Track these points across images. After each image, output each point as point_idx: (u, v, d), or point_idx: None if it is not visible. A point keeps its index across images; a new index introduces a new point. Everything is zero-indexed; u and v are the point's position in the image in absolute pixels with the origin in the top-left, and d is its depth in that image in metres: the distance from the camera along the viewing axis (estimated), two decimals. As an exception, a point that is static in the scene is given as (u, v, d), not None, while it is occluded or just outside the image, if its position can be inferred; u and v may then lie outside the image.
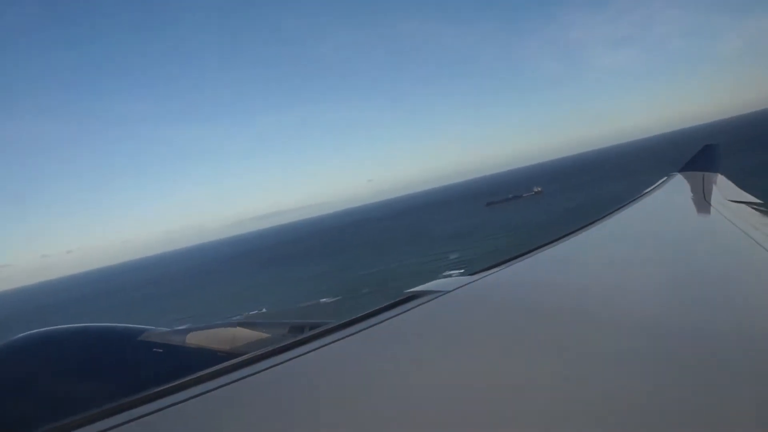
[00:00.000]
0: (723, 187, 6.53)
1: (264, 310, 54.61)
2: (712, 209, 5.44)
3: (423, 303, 2.90)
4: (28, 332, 3.95)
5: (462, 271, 3.27)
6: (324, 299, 62.08)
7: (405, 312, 2.77)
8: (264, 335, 3.81)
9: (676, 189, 6.77)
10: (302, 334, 3.14)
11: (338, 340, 2.41)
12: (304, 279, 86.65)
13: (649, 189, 6.74)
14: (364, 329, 2.53)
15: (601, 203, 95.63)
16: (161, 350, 3.72)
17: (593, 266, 3.92)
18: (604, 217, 5.55)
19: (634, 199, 6.31)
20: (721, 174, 7.21)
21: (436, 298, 2.99)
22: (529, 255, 4.12)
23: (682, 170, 7.59)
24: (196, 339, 3.80)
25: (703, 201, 5.88)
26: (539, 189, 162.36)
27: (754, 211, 5.53)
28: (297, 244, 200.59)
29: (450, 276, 3.49)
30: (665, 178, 7.31)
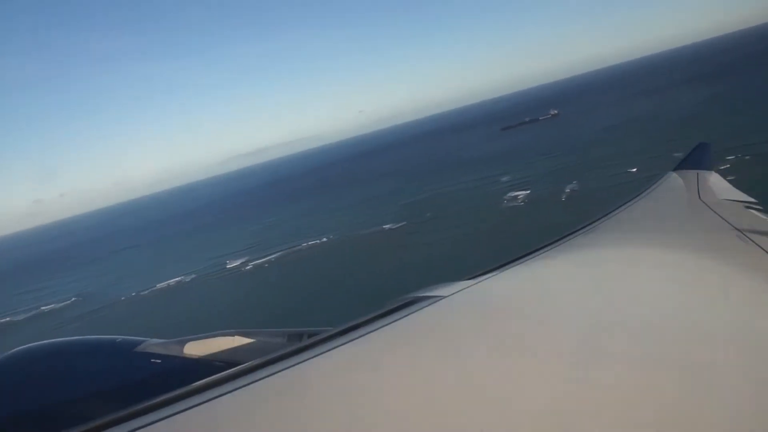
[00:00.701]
0: (717, 186, 6.63)
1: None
2: (708, 209, 5.47)
3: (422, 308, 2.88)
4: (26, 345, 3.86)
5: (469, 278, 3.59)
6: (388, 225, 62.97)
7: (404, 317, 2.75)
8: (262, 344, 3.70)
9: (673, 188, 6.75)
10: (301, 341, 3.15)
11: (338, 346, 2.38)
12: (348, 207, 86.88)
13: (645, 189, 6.73)
14: (364, 335, 2.51)
15: (621, 124, 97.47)
16: (159, 361, 3.67)
17: (592, 269, 3.90)
18: (603, 217, 5.57)
19: (631, 199, 6.28)
20: (715, 172, 7.30)
21: (434, 302, 2.96)
22: (526, 258, 4.10)
23: (676, 169, 7.58)
24: (194, 349, 3.72)
25: (698, 201, 5.90)
26: (555, 111, 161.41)
27: (747, 210, 5.55)
28: (309, 176, 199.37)
29: (445, 282, 3.44)
30: (661, 177, 7.28)
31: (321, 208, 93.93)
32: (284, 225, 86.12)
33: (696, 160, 7.85)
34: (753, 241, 4.08)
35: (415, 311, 2.83)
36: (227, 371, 2.26)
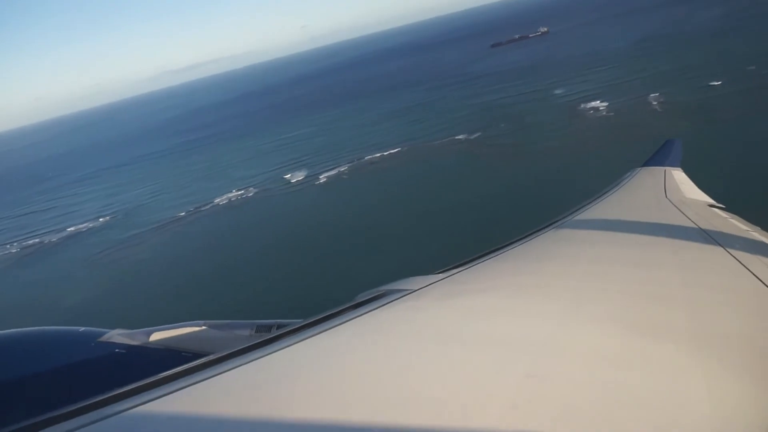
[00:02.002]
0: (684, 184, 6.68)
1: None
2: (674, 207, 5.53)
3: (391, 302, 2.88)
4: None
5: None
6: (461, 136, 60.15)
7: (373, 311, 2.74)
8: (230, 335, 3.68)
9: (640, 185, 6.81)
10: (269, 333, 3.17)
11: (306, 338, 2.36)
12: (389, 117, 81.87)
13: (614, 184, 6.76)
14: (332, 328, 2.49)
15: (614, 44, 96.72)
16: (124, 351, 3.63)
17: (559, 266, 3.90)
18: (573, 213, 5.57)
19: (601, 195, 6.31)
20: (682, 169, 7.35)
21: (404, 296, 2.96)
22: (495, 254, 4.09)
23: (645, 165, 7.64)
24: (160, 339, 3.71)
25: (664, 198, 5.97)
26: (545, 29, 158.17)
27: (711, 209, 5.68)
28: (300, 87, 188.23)
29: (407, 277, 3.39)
30: (628, 174, 7.30)
31: (355, 118, 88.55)
32: (326, 135, 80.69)
33: (664, 156, 7.93)
34: (715, 240, 4.15)
35: (384, 305, 2.83)
36: (194, 362, 2.23)
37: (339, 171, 57.68)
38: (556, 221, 5.29)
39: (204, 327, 3.81)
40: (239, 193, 59.10)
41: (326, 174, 57.65)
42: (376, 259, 33.38)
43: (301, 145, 77.16)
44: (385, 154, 59.91)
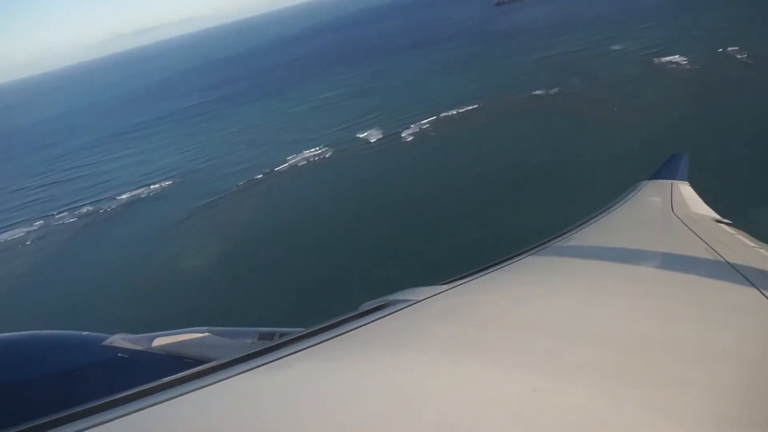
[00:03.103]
0: (691, 199, 6.71)
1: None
2: (680, 222, 5.54)
3: (394, 312, 2.90)
4: None
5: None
6: (538, 91, 58.89)
7: (376, 320, 2.76)
8: (233, 342, 3.70)
9: (645, 199, 6.83)
10: (272, 341, 3.18)
11: (308, 347, 2.38)
12: (443, 71, 79.57)
13: (619, 198, 6.80)
14: (334, 338, 2.51)
15: (643, 2, 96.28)
16: (127, 356, 3.66)
17: (563, 279, 3.94)
18: (579, 226, 5.60)
19: (607, 208, 6.35)
20: (688, 183, 7.38)
21: (407, 306, 2.98)
22: (499, 266, 4.11)
23: (651, 178, 7.66)
24: (162, 344, 3.72)
25: (670, 213, 5.98)
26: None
27: (718, 225, 5.70)
28: (299, 45, 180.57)
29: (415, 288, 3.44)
30: (634, 187, 7.31)
31: (397, 76, 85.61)
32: (373, 95, 77.39)
33: (671, 170, 7.90)
34: (722, 257, 4.14)
35: (388, 315, 2.83)
36: (196, 368, 2.24)
37: (420, 129, 55.53)
38: (563, 234, 5.27)
39: (206, 333, 3.79)
40: (315, 152, 56.41)
41: (406, 132, 55.45)
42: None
43: (348, 106, 74.03)
44: (463, 110, 57.96)
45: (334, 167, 51.86)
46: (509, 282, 3.88)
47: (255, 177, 53.51)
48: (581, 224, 5.70)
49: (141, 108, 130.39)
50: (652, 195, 6.99)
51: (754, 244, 4.84)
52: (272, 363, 2.18)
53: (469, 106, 58.76)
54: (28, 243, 51.83)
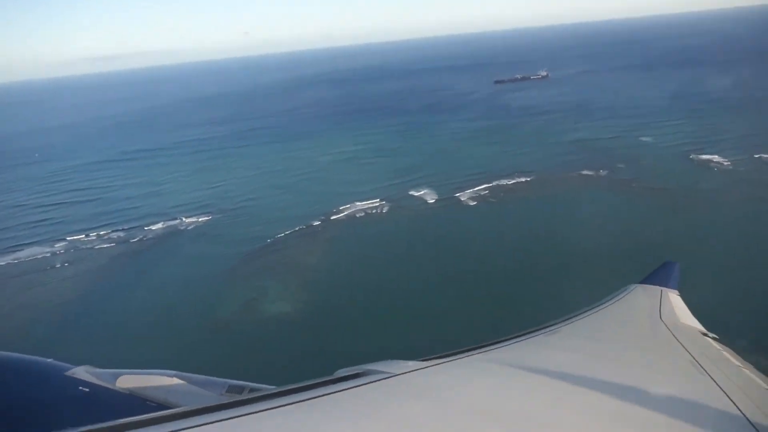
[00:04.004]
0: (679, 308, 6.72)
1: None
2: (665, 330, 5.61)
3: (370, 382, 2.95)
4: None
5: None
6: (586, 171, 61.21)
7: (351, 389, 2.81)
8: (200, 391, 3.73)
9: (634, 302, 6.90)
10: (241, 395, 3.26)
11: (278, 407, 2.36)
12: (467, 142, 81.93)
13: (607, 299, 6.85)
14: (306, 400, 2.51)
15: (648, 97, 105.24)
16: (87, 390, 3.65)
17: (541, 373, 3.94)
18: (563, 321, 5.66)
19: (593, 308, 6.40)
20: (678, 292, 7.46)
21: (384, 379, 3.03)
22: (480, 350, 4.21)
23: (641, 283, 7.76)
24: (127, 383, 3.72)
25: (658, 320, 6.04)
26: (545, 73, 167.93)
27: (704, 337, 5.75)
28: (298, 93, 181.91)
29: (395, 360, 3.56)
30: (624, 289, 7.41)
31: (425, 136, 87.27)
32: (411, 155, 78.27)
33: (662, 277, 7.92)
34: (706, 371, 4.20)
35: (363, 384, 2.90)
36: (157, 413, 2.24)
37: (479, 194, 56.33)
38: (546, 327, 5.28)
39: (174, 378, 3.75)
40: (370, 205, 55.71)
41: (464, 196, 56.05)
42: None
43: (382, 163, 74.63)
44: (517, 181, 59.50)
45: (397, 221, 51.32)
46: (486, 370, 3.81)
47: (312, 223, 52.03)
48: (567, 319, 5.65)
49: (136, 134, 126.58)
50: (640, 299, 6.93)
51: (738, 363, 4.74)
52: (239, 418, 2.09)
53: (521, 177, 60.43)
54: (57, 266, 47.48)
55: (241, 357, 30.45)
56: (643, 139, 75.15)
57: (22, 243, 54.23)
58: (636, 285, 7.53)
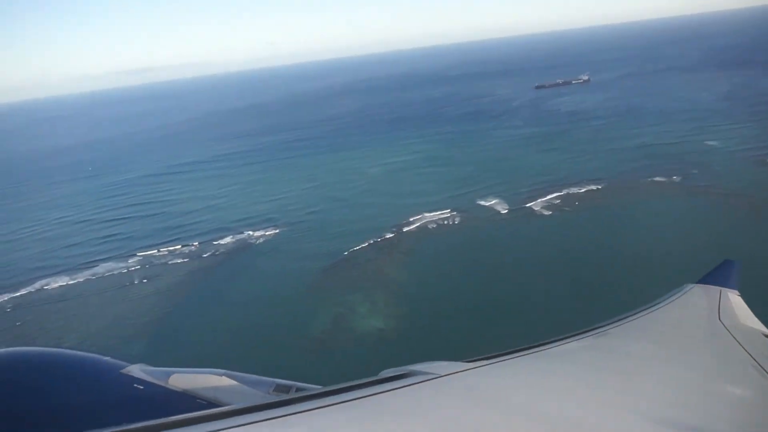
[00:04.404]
0: (739, 309, 6.39)
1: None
2: (725, 331, 5.39)
3: (414, 383, 2.92)
4: (9, 349, 3.95)
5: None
6: (658, 178, 59.31)
7: (395, 390, 2.79)
8: (248, 389, 3.75)
9: (691, 303, 6.59)
10: (288, 394, 3.30)
11: (324, 407, 2.39)
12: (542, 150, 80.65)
13: (663, 299, 6.57)
14: (351, 400, 2.52)
15: (699, 100, 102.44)
16: (141, 387, 3.75)
17: (593, 373, 3.86)
18: (617, 321, 5.45)
19: (648, 307, 6.13)
20: (738, 292, 7.07)
21: (428, 380, 3.00)
22: (528, 351, 4.10)
23: (699, 282, 7.42)
24: (178, 382, 3.80)
25: (717, 321, 5.77)
26: (587, 77, 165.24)
27: (764, 338, 5.49)
28: (338, 101, 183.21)
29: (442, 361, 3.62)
30: (680, 288, 7.11)
31: (475, 142, 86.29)
32: (467, 162, 77.18)
33: (721, 277, 7.58)
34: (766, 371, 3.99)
35: (407, 386, 2.86)
36: (208, 410, 2.28)
37: (551, 203, 55.01)
38: (597, 328, 5.11)
39: (224, 377, 3.81)
40: (441, 216, 54.93)
41: (536, 206, 54.76)
42: None
43: (437, 174, 73.91)
44: (587, 189, 57.98)
45: (473, 232, 50.44)
46: (533, 371, 3.77)
47: (385, 236, 51.51)
48: (619, 320, 5.45)
49: (181, 147, 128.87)
50: (698, 299, 6.65)
51: None
52: (285, 417, 2.15)
53: (591, 185, 58.94)
54: (135, 282, 47.99)
55: (350, 374, 29.77)
56: (710, 143, 72.65)
57: (96, 259, 55.11)
58: (693, 284, 7.27)
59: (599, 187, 58.30)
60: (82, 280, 50.33)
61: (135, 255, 54.73)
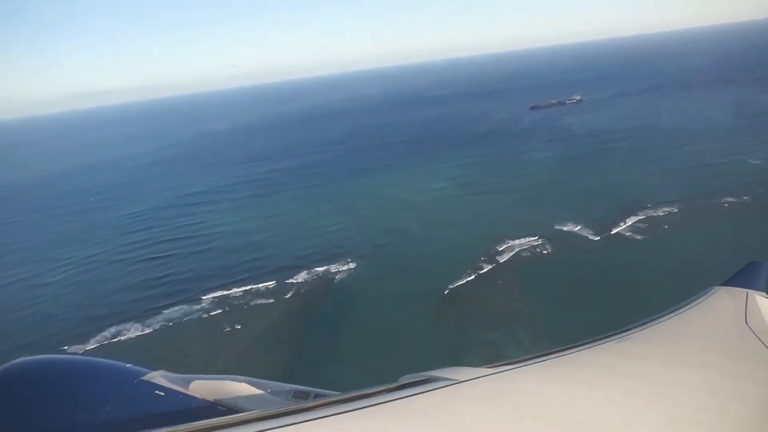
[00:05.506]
0: (766, 311, 6.21)
1: None
2: (752, 335, 5.24)
3: (435, 389, 2.93)
4: (29, 358, 4.08)
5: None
6: (729, 198, 60.23)
7: (415, 395, 2.78)
8: (268, 396, 3.84)
9: (716, 305, 6.40)
10: (307, 400, 3.33)
11: (344, 412, 2.39)
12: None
13: (687, 302, 6.43)
14: (371, 406, 2.51)
15: (711, 120, 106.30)
16: (163, 394, 3.82)
17: (619, 378, 3.80)
18: (639, 325, 5.39)
19: (671, 311, 6.01)
20: (766, 294, 6.89)
21: (449, 386, 3.00)
22: (550, 356, 4.12)
23: (724, 284, 7.22)
24: (199, 388, 3.88)
25: (744, 324, 5.62)
26: (579, 97, 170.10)
27: None
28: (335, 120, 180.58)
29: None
30: (704, 291, 6.93)
31: (509, 166, 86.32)
32: (513, 188, 76.97)
33: (747, 278, 7.36)
34: None
35: (428, 391, 2.89)
36: (229, 417, 2.37)
37: (636, 227, 55.15)
38: (620, 332, 5.10)
39: (243, 384, 3.90)
40: (529, 243, 53.90)
41: (623, 230, 54.62)
42: None
43: (487, 201, 73.33)
44: (663, 212, 58.36)
45: (573, 260, 49.66)
46: (555, 376, 3.71)
47: (480, 268, 50.11)
48: (641, 324, 5.40)
49: (182, 173, 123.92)
50: (723, 302, 6.49)
51: None
52: (306, 423, 2.15)
53: (665, 208, 59.60)
54: (227, 328, 44.58)
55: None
56: (753, 162, 74.94)
57: (162, 304, 51.01)
58: (718, 287, 7.09)
59: (674, 209, 58.81)
60: (157, 327, 46.44)
61: (204, 297, 51.05)
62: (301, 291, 50.27)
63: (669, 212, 58.21)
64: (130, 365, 4.16)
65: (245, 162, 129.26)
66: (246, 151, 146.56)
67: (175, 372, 4.08)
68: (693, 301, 6.47)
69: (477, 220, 64.58)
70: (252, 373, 4.40)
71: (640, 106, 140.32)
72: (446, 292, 46.14)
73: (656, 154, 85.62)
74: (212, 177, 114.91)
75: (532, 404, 3.03)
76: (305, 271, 54.20)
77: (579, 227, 56.73)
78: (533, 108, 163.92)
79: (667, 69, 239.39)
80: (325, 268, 54.63)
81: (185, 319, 47.27)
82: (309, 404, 2.59)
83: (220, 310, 47.95)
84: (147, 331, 45.92)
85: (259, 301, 48.90)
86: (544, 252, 52.25)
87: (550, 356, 4.06)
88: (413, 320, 42.02)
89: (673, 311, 6.02)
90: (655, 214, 58.04)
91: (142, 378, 3.93)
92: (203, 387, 3.82)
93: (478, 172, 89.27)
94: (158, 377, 3.94)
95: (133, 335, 45.44)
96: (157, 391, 3.77)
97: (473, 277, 48.40)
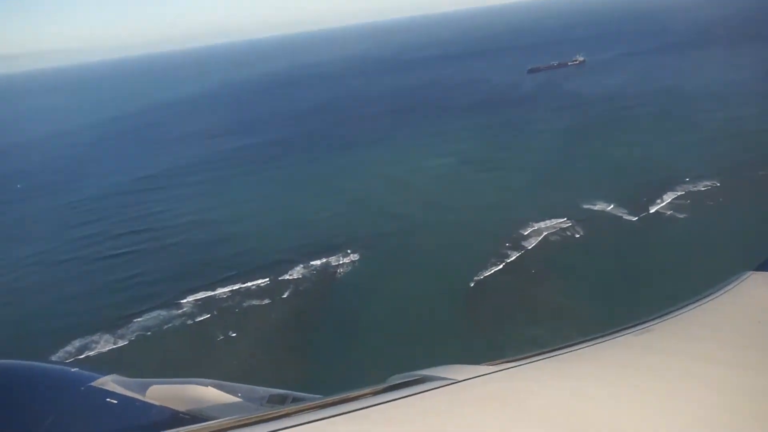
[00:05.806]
0: None
1: None
2: None
3: (430, 390, 2.94)
4: None
5: None
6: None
7: (408, 397, 2.80)
8: (239, 401, 3.83)
9: (749, 292, 6.44)
10: (283, 405, 3.40)
11: (326, 418, 2.37)
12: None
13: (715, 289, 6.47)
14: (357, 410, 2.51)
15: (731, 82, 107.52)
16: (115, 401, 3.77)
17: (626, 376, 3.84)
18: (664, 315, 5.47)
19: (697, 300, 6.07)
20: None
21: (445, 386, 3.03)
22: (560, 351, 4.13)
23: (758, 269, 7.18)
24: (157, 394, 3.87)
25: None
26: (582, 58, 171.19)
27: None
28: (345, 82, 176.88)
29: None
30: (735, 276, 6.99)
31: (515, 137, 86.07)
32: (526, 166, 76.71)
33: None
34: None
35: (421, 392, 2.86)
36: (191, 426, 2.33)
37: (676, 204, 55.67)
38: (641, 323, 5.11)
39: (210, 388, 3.92)
40: (559, 224, 53.89)
41: (663, 209, 54.98)
42: None
43: (507, 176, 72.90)
44: (703, 188, 59.11)
45: (611, 242, 49.95)
46: (565, 373, 3.72)
47: (507, 255, 49.80)
48: (666, 313, 5.48)
49: (134, 152, 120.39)
50: (758, 289, 6.54)
51: None
52: (283, 431, 2.08)
53: (705, 182, 60.22)
54: (221, 337, 43.29)
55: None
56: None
57: (134, 311, 48.75)
58: (751, 272, 7.06)
59: (717, 183, 59.53)
60: (133, 338, 44.64)
61: (184, 301, 49.30)
62: (300, 289, 49.11)
63: (712, 186, 58.89)
64: (76, 369, 4.11)
65: (205, 138, 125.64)
66: (204, 125, 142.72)
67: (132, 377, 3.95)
68: (723, 287, 6.41)
69: (490, 202, 64.13)
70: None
71: (653, 66, 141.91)
72: (472, 284, 45.72)
73: (683, 121, 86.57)
74: (167, 157, 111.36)
75: (543, 407, 3.00)
76: (300, 266, 52.92)
77: (611, 206, 56.90)
78: (531, 71, 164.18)
79: (677, 23, 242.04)
80: (323, 261, 53.46)
81: (165, 327, 45.58)
82: (286, 410, 2.56)
83: (207, 315, 46.40)
84: (121, 343, 44.05)
85: (252, 303, 47.52)
86: (576, 236, 52.26)
87: (561, 351, 4.01)
88: (442, 318, 41.48)
89: (699, 299, 6.01)
90: (695, 189, 58.65)
91: (91, 384, 3.83)
92: (163, 393, 3.75)
93: (482, 146, 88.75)
94: (110, 383, 3.85)
95: (104, 349, 43.51)
96: (108, 399, 3.70)
97: (501, 266, 48.08)
